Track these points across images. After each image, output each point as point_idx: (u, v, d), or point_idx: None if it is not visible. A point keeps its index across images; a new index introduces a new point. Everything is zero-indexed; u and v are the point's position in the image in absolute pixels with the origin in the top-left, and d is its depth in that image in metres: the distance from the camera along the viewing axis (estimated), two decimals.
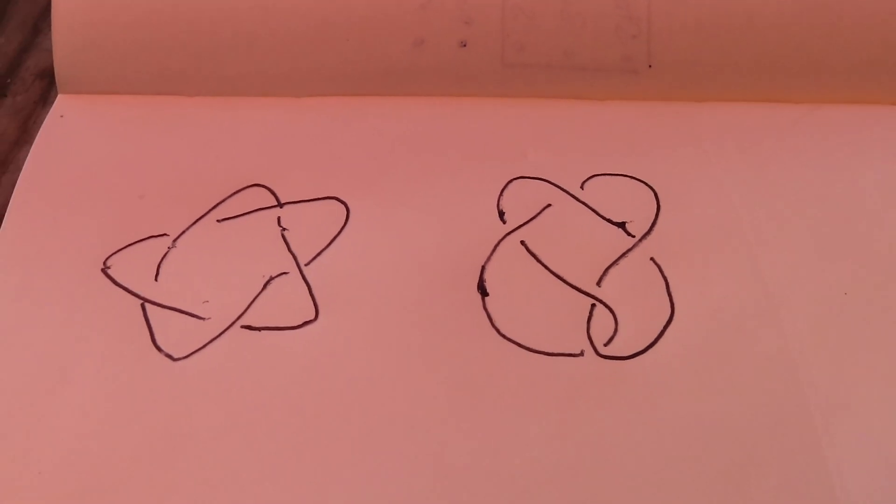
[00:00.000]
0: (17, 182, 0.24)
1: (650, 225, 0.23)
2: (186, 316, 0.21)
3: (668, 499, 0.19)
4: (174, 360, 0.21)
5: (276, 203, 0.24)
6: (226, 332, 0.21)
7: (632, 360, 0.21)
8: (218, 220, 0.23)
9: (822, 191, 0.24)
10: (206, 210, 0.23)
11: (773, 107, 0.27)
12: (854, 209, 0.24)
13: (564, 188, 0.24)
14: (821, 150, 0.26)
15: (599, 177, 0.24)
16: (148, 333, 0.21)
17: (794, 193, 0.24)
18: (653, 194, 0.24)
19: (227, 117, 0.26)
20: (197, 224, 0.23)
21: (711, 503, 0.19)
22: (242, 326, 0.21)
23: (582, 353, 0.21)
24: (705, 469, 0.19)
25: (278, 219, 0.23)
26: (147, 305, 0.22)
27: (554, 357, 0.21)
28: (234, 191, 0.24)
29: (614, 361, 0.21)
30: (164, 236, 0.23)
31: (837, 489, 0.19)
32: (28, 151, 0.30)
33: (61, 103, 0.26)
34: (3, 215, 0.28)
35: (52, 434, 0.20)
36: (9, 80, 0.31)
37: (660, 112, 0.26)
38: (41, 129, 0.25)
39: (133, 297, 0.22)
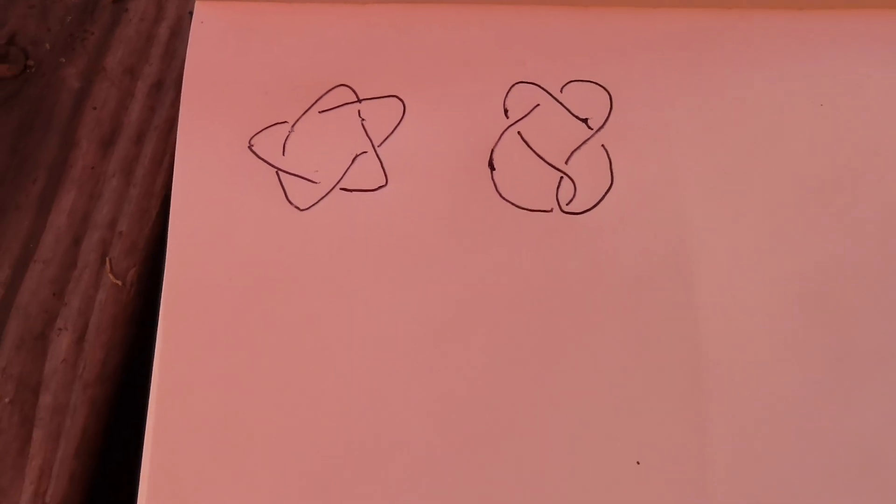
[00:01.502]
0: (184, 82, 0.35)
1: (604, 121, 0.35)
2: (305, 180, 0.34)
3: (586, 309, 0.32)
4: (300, 210, 0.34)
5: (356, 99, 0.35)
6: (330, 192, 0.34)
7: (583, 214, 0.34)
8: (319, 112, 0.35)
9: (735, 92, 0.36)
10: (311, 104, 0.35)
11: (715, 12, 0.37)
12: (763, 113, 0.35)
13: (549, 91, 0.35)
14: (744, 53, 0.37)
15: (574, 82, 0.36)
16: (283, 192, 0.34)
17: (713, 92, 0.36)
18: (608, 96, 0.36)
19: (315, 21, 0.36)
20: (306, 114, 0.35)
21: (604, 317, 0.32)
22: (340, 188, 0.34)
23: (552, 210, 0.34)
24: (608, 294, 0.32)
25: (359, 111, 0.35)
26: (280, 173, 0.34)
27: (534, 212, 0.34)
28: (328, 89, 0.35)
29: (572, 216, 0.34)
30: (285, 123, 0.35)
31: (702, 333, 0.32)
32: (165, 28, 0.41)
33: (200, 10, 0.36)
34: (159, 85, 0.39)
35: (232, 256, 0.33)
36: None
37: (623, 18, 0.37)
38: (190, 36, 0.36)
39: (270, 167, 0.34)
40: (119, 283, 0.35)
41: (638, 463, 0.31)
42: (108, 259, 0.35)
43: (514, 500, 0.30)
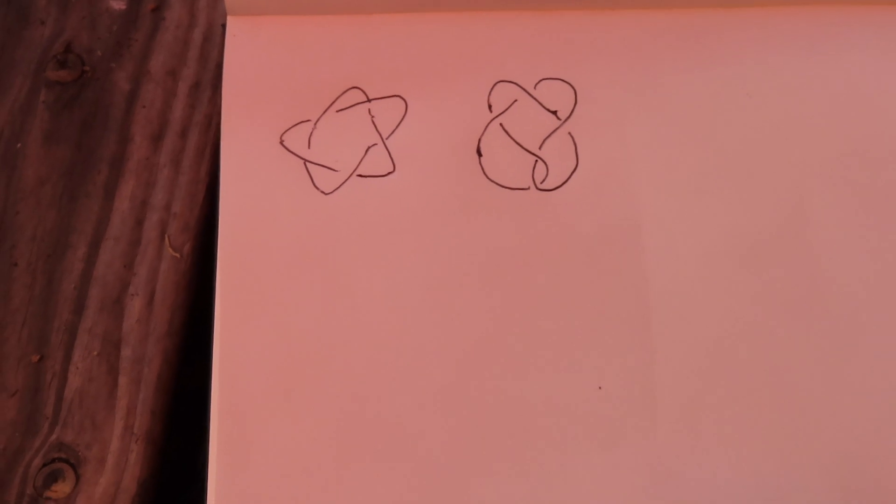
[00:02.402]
0: (223, 88, 0.42)
1: (570, 112, 0.43)
2: (328, 169, 0.42)
3: (558, 267, 0.41)
4: (325, 194, 0.41)
5: (366, 99, 0.43)
6: (349, 178, 0.42)
7: (554, 191, 0.42)
8: (336, 111, 0.42)
9: (679, 85, 0.43)
10: (329, 104, 0.42)
11: (662, 13, 0.45)
12: (702, 103, 0.43)
13: (525, 89, 0.43)
14: (685, 51, 0.44)
15: (545, 80, 0.43)
16: (310, 179, 0.41)
17: (661, 86, 0.43)
18: (573, 91, 0.43)
19: (330, 32, 0.44)
20: (325, 113, 0.42)
21: (572, 273, 0.40)
22: (357, 175, 0.42)
23: (529, 188, 0.42)
24: (575, 254, 0.40)
25: (369, 110, 0.43)
26: (307, 163, 0.42)
27: (514, 190, 0.42)
28: (343, 91, 0.43)
29: (545, 192, 0.42)
30: (309, 121, 0.42)
31: (650, 283, 0.40)
32: (198, 34, 0.48)
33: (232, 25, 0.43)
34: (197, 85, 0.46)
35: (271, 233, 0.40)
36: None
37: (590, 21, 0.44)
38: (225, 48, 0.43)
39: (299, 158, 0.42)
40: (177, 255, 0.43)
41: (600, 388, 0.40)
42: (166, 236, 0.43)
43: (503, 415, 0.39)
